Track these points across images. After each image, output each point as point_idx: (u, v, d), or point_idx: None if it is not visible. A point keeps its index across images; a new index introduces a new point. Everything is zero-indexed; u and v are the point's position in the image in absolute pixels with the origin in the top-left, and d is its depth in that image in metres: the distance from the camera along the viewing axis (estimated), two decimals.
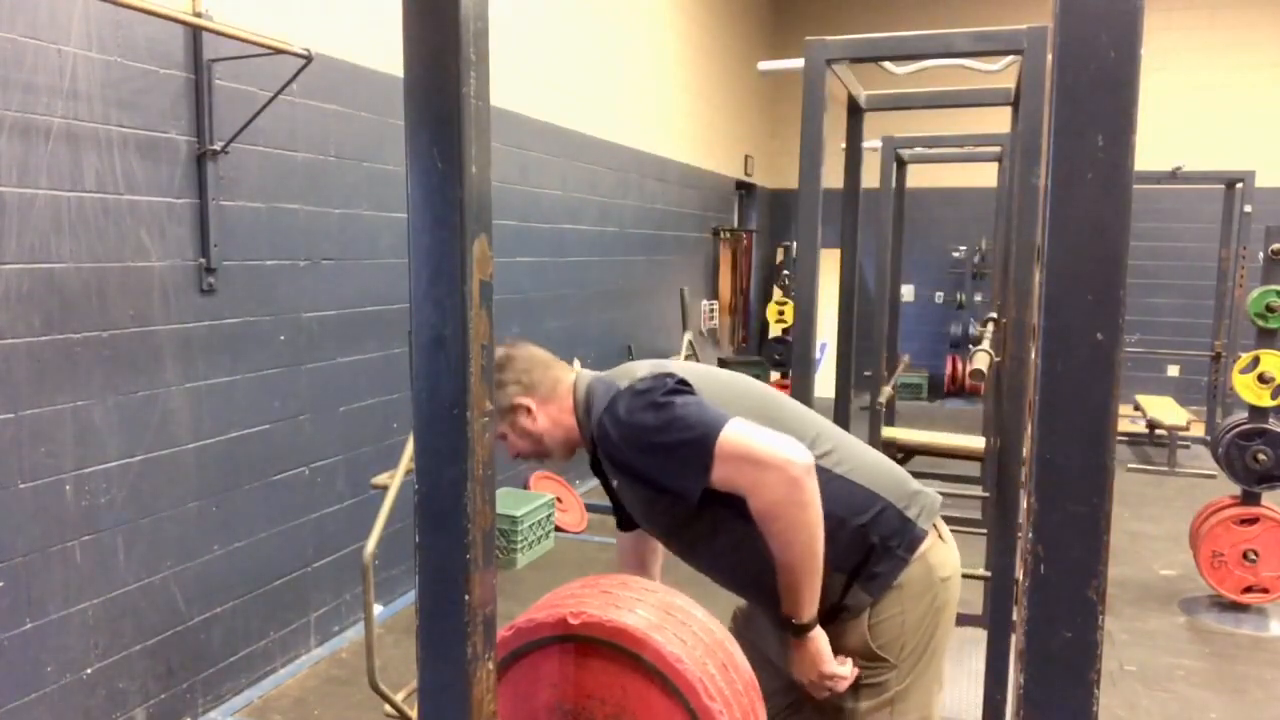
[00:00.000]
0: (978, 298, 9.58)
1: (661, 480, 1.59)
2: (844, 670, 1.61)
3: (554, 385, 1.75)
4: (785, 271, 9.47)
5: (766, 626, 1.77)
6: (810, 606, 1.56)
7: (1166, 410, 7.22)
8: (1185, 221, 8.68)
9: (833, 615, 1.64)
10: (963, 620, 3.76)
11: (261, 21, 3.09)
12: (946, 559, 1.68)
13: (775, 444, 1.51)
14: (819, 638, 1.59)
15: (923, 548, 1.64)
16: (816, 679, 1.60)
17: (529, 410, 1.75)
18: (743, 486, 1.52)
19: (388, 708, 2.50)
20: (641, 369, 1.70)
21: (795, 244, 4.75)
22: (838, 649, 1.62)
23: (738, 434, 1.52)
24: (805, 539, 1.51)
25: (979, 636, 2.87)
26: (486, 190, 0.86)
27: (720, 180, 8.75)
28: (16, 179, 2.43)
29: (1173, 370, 8.85)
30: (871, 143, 4.77)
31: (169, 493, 2.92)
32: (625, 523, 1.93)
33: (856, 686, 1.64)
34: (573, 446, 1.78)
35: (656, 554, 1.99)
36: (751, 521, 1.55)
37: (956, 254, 9.69)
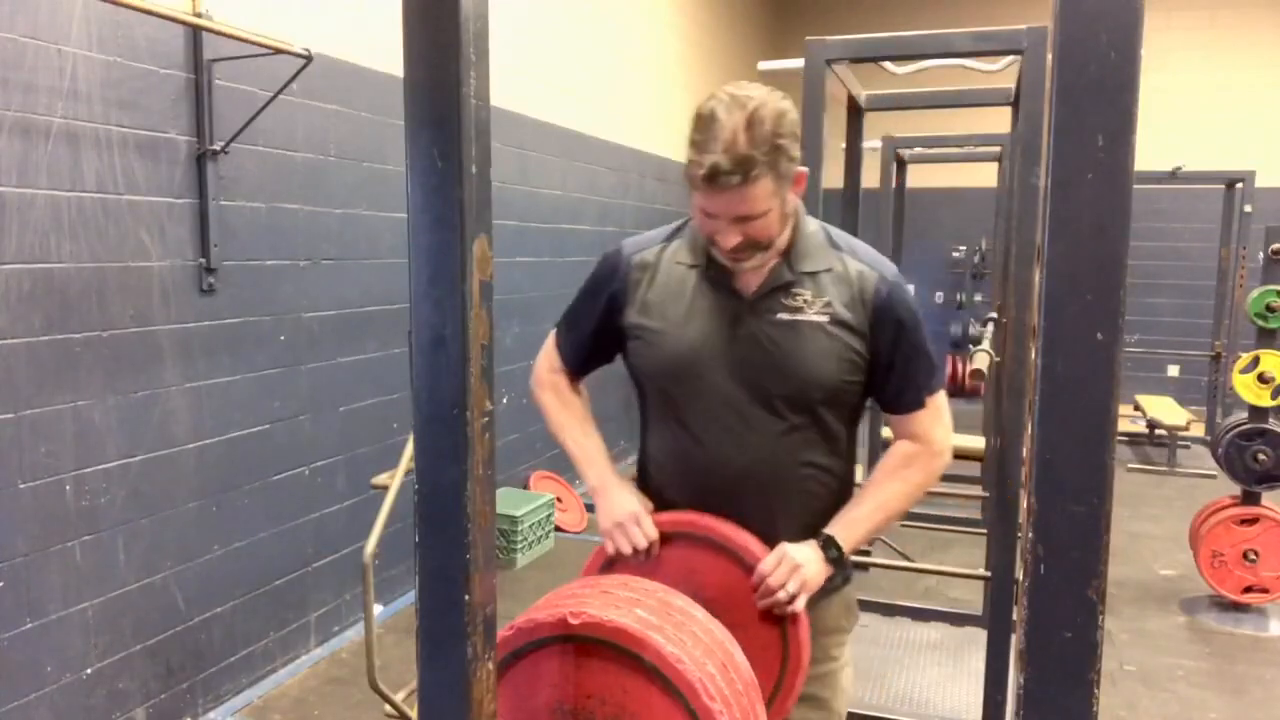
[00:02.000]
0: (978, 298, 9.58)
1: (907, 360, 1.53)
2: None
3: None
4: None
5: None
6: (858, 543, 1.58)
7: (1166, 410, 7.23)
8: (1185, 221, 8.68)
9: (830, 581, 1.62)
10: (963, 620, 3.79)
11: (261, 21, 3.09)
12: None
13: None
14: (827, 569, 1.55)
15: None
16: (797, 589, 1.49)
17: (801, 181, 1.47)
18: (916, 431, 1.59)
19: (388, 708, 2.50)
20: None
21: None
22: (823, 624, 1.61)
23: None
24: (909, 503, 1.63)
25: (979, 636, 2.88)
26: (486, 190, 0.86)
27: None
28: (16, 179, 2.43)
29: (1173, 370, 8.85)
30: (871, 143, 4.77)
31: (169, 493, 2.92)
32: (585, 363, 1.72)
33: (831, 663, 1.64)
34: (775, 248, 1.51)
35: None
36: (835, 453, 1.58)
37: (956, 254, 9.69)
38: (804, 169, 1.46)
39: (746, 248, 1.46)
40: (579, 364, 1.72)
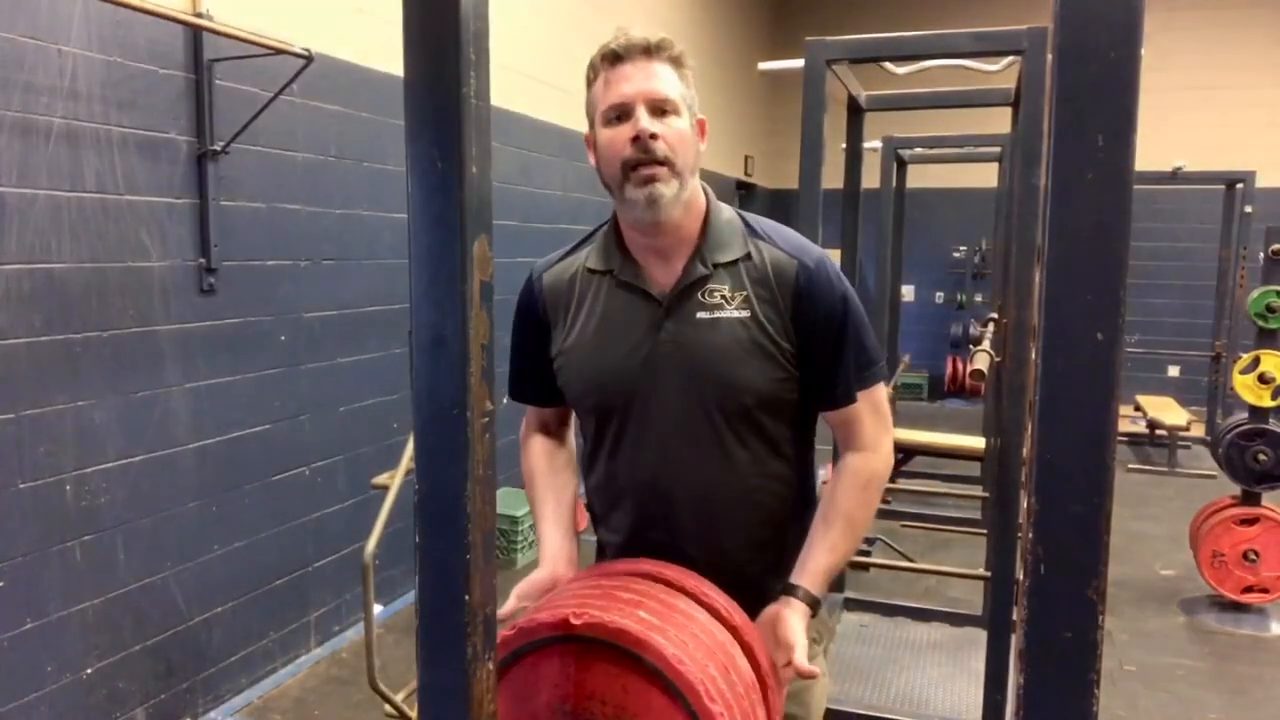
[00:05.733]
0: (978, 298, 9.59)
1: (836, 350, 1.43)
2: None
3: None
4: None
5: None
6: (829, 582, 1.47)
7: (1167, 410, 7.23)
8: (1185, 221, 8.69)
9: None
10: (963, 620, 3.79)
11: (261, 21, 3.09)
12: None
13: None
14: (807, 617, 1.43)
15: None
16: (791, 660, 1.39)
17: (703, 128, 1.47)
18: (864, 437, 1.47)
19: (388, 708, 2.50)
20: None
21: None
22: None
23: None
24: (869, 518, 1.51)
25: (979, 636, 2.88)
26: (486, 190, 0.86)
27: (720, 180, 8.75)
28: (16, 179, 2.43)
29: (1173, 370, 8.85)
30: (871, 143, 4.77)
31: (169, 493, 2.92)
32: (554, 397, 1.59)
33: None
34: (687, 235, 1.45)
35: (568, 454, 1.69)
36: (782, 459, 1.48)
37: (956, 254, 9.69)
38: (704, 118, 1.47)
39: (663, 158, 1.36)
40: (550, 398, 1.60)
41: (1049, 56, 0.67)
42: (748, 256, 1.44)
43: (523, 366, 1.60)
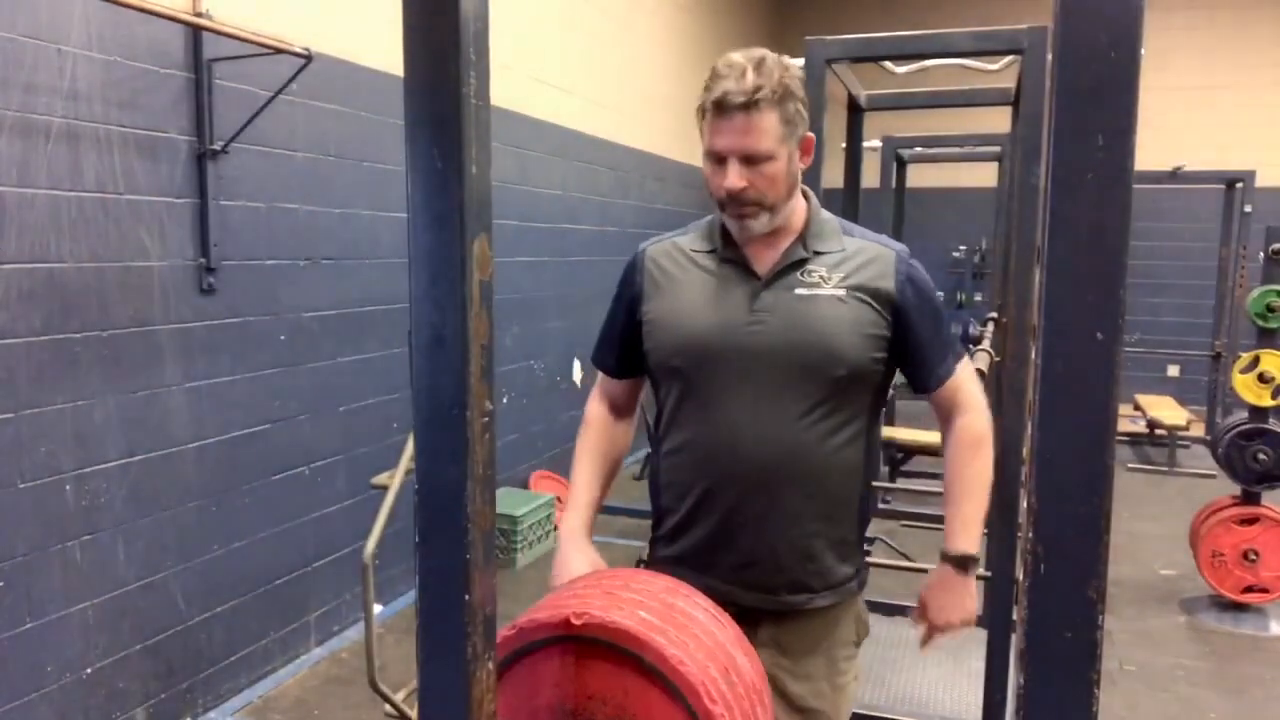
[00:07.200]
0: (978, 298, 9.57)
1: (931, 333, 1.55)
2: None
3: None
4: None
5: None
6: (966, 533, 1.60)
7: (1166, 410, 7.22)
8: (1185, 221, 8.68)
9: (840, 589, 1.61)
10: None
11: (261, 21, 3.09)
12: None
13: None
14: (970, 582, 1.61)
15: None
16: (961, 620, 1.61)
17: (810, 146, 1.54)
18: (966, 400, 1.61)
19: (388, 708, 2.50)
20: None
21: None
22: (833, 636, 1.60)
23: None
24: (982, 472, 1.62)
25: (979, 636, 2.88)
26: (486, 190, 0.86)
27: None
28: (16, 179, 2.43)
29: (1173, 370, 8.85)
30: (871, 143, 4.78)
31: (169, 493, 2.92)
32: (623, 367, 1.71)
33: (839, 677, 1.62)
34: (790, 228, 1.56)
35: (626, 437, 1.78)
36: (854, 443, 1.55)
37: (956, 254, 9.68)
38: (811, 134, 1.52)
39: (753, 201, 1.47)
40: (619, 369, 1.72)
41: (1049, 56, 0.67)
42: (844, 249, 1.56)
43: (609, 334, 1.72)
